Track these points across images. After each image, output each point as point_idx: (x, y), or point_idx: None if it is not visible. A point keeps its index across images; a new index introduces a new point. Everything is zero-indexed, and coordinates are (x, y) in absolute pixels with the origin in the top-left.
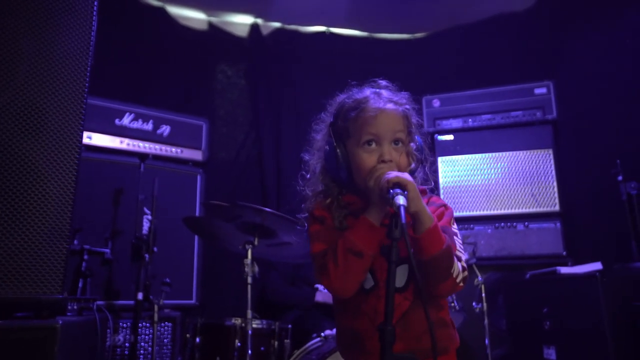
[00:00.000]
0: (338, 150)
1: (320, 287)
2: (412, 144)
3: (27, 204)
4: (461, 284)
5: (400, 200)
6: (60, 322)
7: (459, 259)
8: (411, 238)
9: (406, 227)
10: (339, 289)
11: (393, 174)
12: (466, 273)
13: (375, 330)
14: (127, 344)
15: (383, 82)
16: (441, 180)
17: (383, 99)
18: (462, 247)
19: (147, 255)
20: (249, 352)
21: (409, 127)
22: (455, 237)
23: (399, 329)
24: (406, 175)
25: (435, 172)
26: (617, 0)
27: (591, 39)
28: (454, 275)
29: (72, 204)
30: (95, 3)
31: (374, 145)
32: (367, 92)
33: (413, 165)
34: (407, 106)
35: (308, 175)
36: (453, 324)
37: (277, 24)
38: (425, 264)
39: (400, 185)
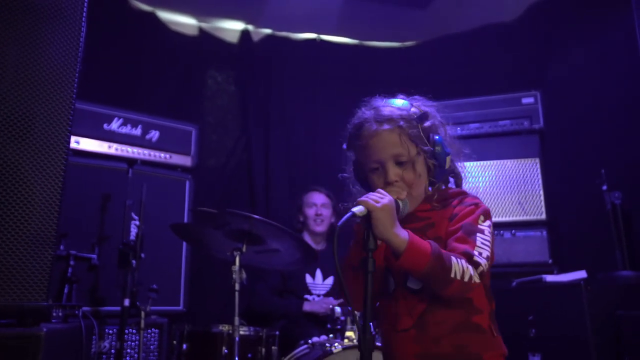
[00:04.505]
0: (358, 176)
1: (309, 297)
2: (419, 155)
3: (11, 209)
4: (473, 282)
5: (355, 208)
6: (45, 329)
7: (469, 256)
8: (396, 265)
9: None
10: (351, 303)
11: (363, 198)
12: (482, 268)
13: (395, 333)
14: (112, 351)
15: (380, 101)
16: None
17: (377, 121)
18: (484, 243)
19: (134, 261)
20: (236, 359)
21: (411, 140)
22: (477, 235)
23: (415, 332)
24: (371, 199)
25: None
26: (603, 13)
27: (577, 49)
28: (458, 277)
29: (58, 210)
30: (85, 9)
31: (379, 168)
32: (364, 114)
33: (436, 175)
34: (401, 123)
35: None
36: (495, 331)
37: (267, 31)
38: (420, 279)
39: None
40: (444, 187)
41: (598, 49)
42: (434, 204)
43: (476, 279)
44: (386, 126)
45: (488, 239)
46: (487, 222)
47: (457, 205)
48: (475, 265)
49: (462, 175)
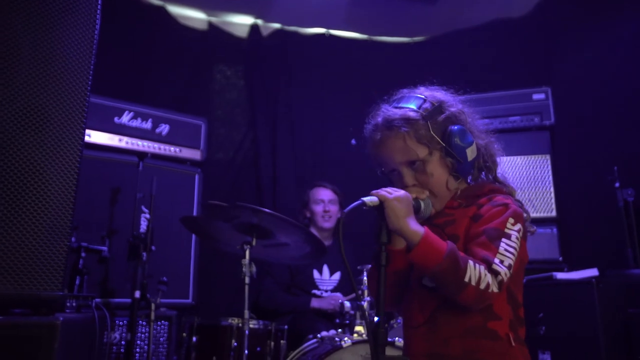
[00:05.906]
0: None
1: (317, 292)
2: (431, 154)
3: (28, 200)
4: (491, 290)
5: (366, 197)
6: (61, 319)
7: (488, 264)
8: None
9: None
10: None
11: (376, 190)
12: (501, 277)
13: (408, 328)
14: (123, 342)
15: (388, 105)
16: None
17: (381, 129)
18: (508, 250)
19: (144, 254)
20: (246, 352)
21: (419, 142)
22: (502, 240)
23: (425, 330)
24: (385, 190)
25: None
26: (613, 8)
27: (588, 45)
28: (473, 283)
29: (73, 202)
30: (99, 3)
31: (396, 173)
32: (373, 120)
33: (458, 170)
34: (403, 129)
35: None
36: (514, 340)
37: (276, 25)
38: (432, 278)
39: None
40: (473, 182)
41: (608, 44)
42: (460, 200)
43: (494, 288)
44: (390, 133)
45: (514, 245)
46: (517, 226)
47: (485, 205)
48: (495, 273)
49: (496, 164)
